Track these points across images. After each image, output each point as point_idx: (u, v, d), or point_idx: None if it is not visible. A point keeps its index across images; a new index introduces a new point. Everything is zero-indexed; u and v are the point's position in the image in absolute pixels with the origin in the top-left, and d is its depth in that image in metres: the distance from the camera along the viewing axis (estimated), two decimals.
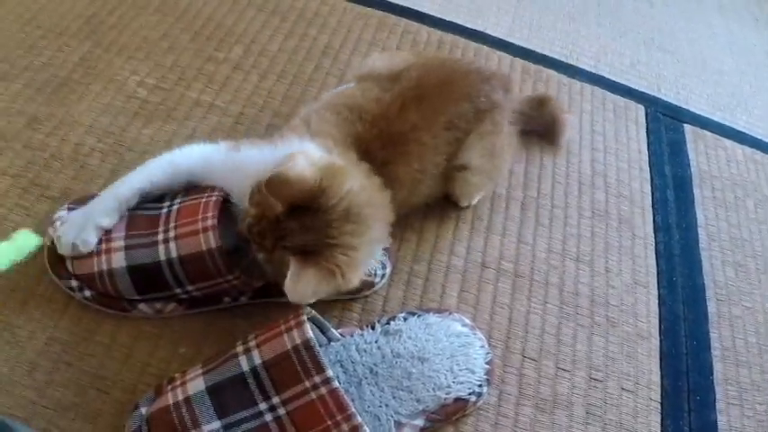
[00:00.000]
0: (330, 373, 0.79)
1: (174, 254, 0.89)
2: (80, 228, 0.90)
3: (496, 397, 0.99)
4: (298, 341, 0.80)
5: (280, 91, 1.28)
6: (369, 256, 0.89)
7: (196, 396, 0.80)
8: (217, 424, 0.79)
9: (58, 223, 0.94)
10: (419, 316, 0.99)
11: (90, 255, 0.91)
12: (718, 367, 1.12)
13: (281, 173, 0.79)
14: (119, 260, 0.90)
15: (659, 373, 1.08)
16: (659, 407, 1.05)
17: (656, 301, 1.16)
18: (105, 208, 0.92)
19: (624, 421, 1.01)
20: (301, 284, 0.80)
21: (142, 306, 0.92)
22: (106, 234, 0.92)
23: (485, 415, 0.97)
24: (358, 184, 0.85)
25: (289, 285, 0.79)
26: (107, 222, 0.92)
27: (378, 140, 0.95)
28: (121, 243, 0.91)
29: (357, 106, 0.98)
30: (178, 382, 0.82)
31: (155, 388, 0.84)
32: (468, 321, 1.01)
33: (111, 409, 0.86)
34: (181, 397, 0.81)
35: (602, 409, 1.02)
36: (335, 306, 1.02)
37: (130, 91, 1.21)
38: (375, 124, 0.96)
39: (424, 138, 0.99)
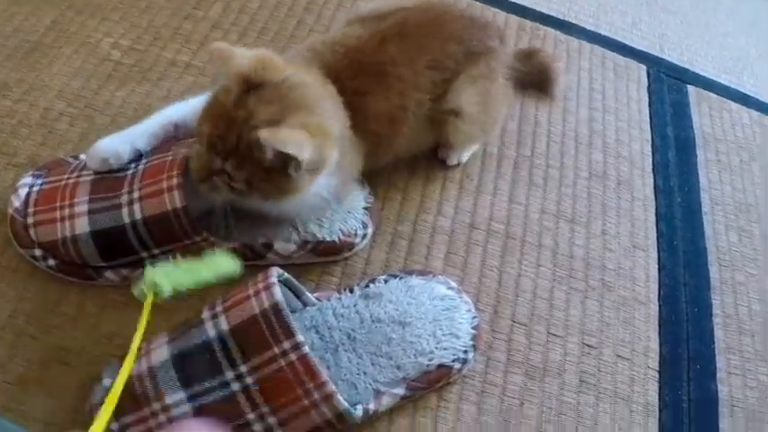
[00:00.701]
0: (300, 338, 0.74)
1: (138, 215, 0.85)
2: (116, 145, 0.89)
3: (483, 364, 0.93)
4: (266, 305, 0.76)
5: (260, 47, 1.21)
6: (332, 141, 0.83)
7: (160, 366, 0.76)
8: (181, 395, 0.75)
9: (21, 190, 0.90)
10: (401, 278, 0.94)
11: (53, 221, 0.87)
12: (719, 335, 1.06)
13: (222, 48, 0.79)
14: (82, 225, 0.86)
15: (657, 340, 1.02)
16: (657, 375, 0.99)
17: (656, 266, 1.10)
18: (145, 131, 0.91)
19: (619, 390, 0.96)
20: (282, 138, 0.76)
21: (108, 273, 0.88)
22: (70, 199, 0.88)
23: (471, 383, 0.91)
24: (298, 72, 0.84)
25: (267, 134, 0.76)
26: (143, 144, 0.91)
27: (349, 70, 0.90)
28: (85, 208, 0.87)
29: (332, 42, 0.94)
30: (143, 352, 0.78)
31: (120, 358, 0.78)
32: (453, 284, 0.95)
33: (76, 382, 0.81)
34: (144, 367, 0.76)
35: (595, 377, 0.96)
36: (313, 270, 0.97)
37: (104, 53, 1.16)
38: (348, 55, 0.91)
39: (404, 73, 0.93)
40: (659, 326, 1.04)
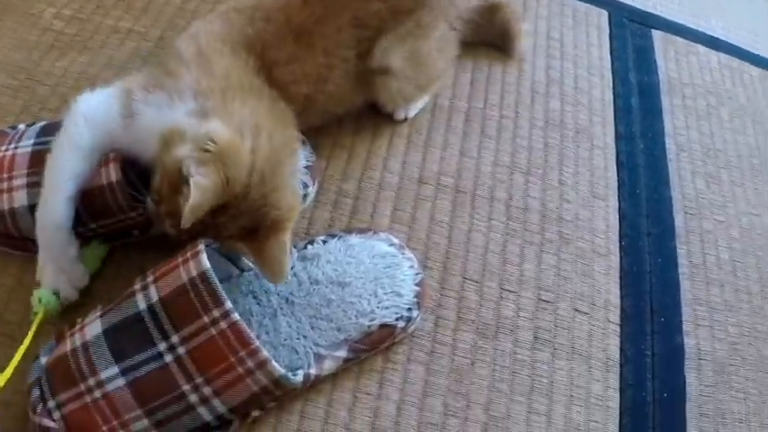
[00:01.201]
0: (229, 305, 0.71)
1: None
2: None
3: (432, 323, 0.89)
4: (194, 273, 0.73)
5: (203, 10, 1.17)
6: (294, 179, 0.83)
7: (93, 340, 0.74)
8: (114, 369, 0.72)
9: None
10: (340, 238, 0.89)
11: None
12: (685, 286, 1.01)
13: (192, 207, 0.70)
14: (20, 199, 0.84)
15: (618, 293, 0.98)
16: (618, 329, 0.95)
17: (617, 216, 1.05)
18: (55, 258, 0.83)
19: (577, 345, 0.91)
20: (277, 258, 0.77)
21: None
22: (8, 172, 0.86)
23: (419, 342, 0.87)
24: (255, 146, 0.77)
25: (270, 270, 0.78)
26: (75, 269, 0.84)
27: (274, 38, 0.87)
28: (23, 181, 0.85)
29: (252, 8, 0.90)
30: (77, 327, 0.76)
31: (56, 335, 0.78)
32: (395, 240, 0.90)
33: (14, 352, 0.77)
34: (78, 342, 0.74)
35: (551, 333, 0.91)
36: None
37: (46, 24, 1.12)
38: (271, 21, 0.88)
39: (327, 30, 0.90)
40: (620, 278, 0.99)
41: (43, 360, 0.75)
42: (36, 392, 0.73)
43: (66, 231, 0.81)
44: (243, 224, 0.76)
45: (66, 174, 0.80)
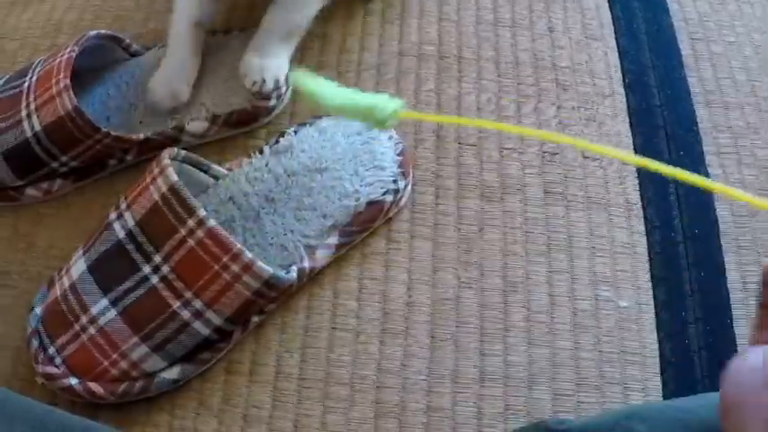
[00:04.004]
0: (203, 212, 0.69)
1: (37, 127, 0.81)
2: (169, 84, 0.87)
3: (432, 195, 0.83)
4: (164, 188, 0.71)
5: None
6: None
7: (79, 279, 0.73)
8: (104, 302, 0.71)
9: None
10: (311, 124, 0.85)
11: None
12: (702, 115, 0.94)
13: None
14: None
15: (629, 132, 0.91)
16: (634, 170, 0.88)
17: (616, 54, 0.97)
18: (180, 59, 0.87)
19: (593, 194, 0.85)
20: None
21: (29, 191, 0.85)
22: None
23: (421, 217, 0.81)
24: None
25: None
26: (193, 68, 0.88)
27: None
28: None
29: None
30: (64, 270, 0.75)
31: (47, 283, 0.76)
32: None
33: (20, 302, 0.77)
34: (67, 284, 0.73)
35: (562, 186, 0.85)
36: (239, 144, 0.88)
37: None
38: None
39: None
40: (629, 117, 0.92)
41: (38, 310, 0.73)
42: (35, 343, 0.72)
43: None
44: None
45: None
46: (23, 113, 0.82)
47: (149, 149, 0.85)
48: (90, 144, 0.81)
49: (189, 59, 0.87)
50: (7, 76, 0.89)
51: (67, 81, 0.80)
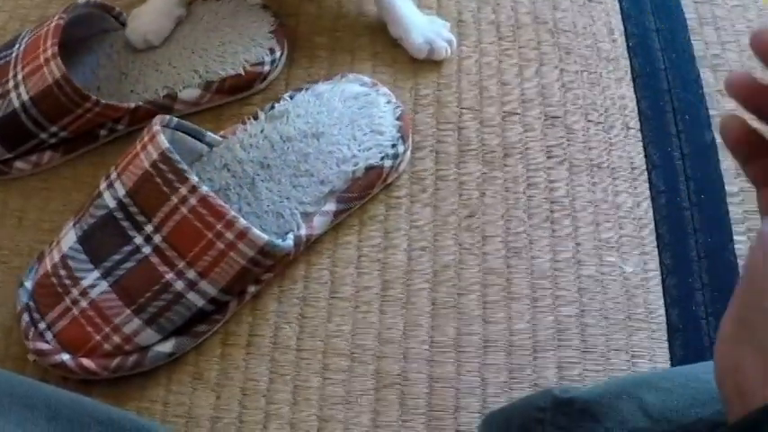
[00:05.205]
0: (195, 179, 0.68)
1: (25, 96, 0.80)
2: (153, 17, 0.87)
3: (432, 161, 0.81)
4: (155, 156, 0.69)
5: None
6: None
7: (70, 251, 0.71)
8: (95, 274, 0.69)
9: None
10: (306, 89, 0.82)
11: None
12: (708, 79, 0.91)
13: None
14: None
15: (634, 96, 0.88)
16: (639, 135, 0.86)
17: (619, 17, 0.95)
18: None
19: (596, 158, 0.83)
20: None
21: (18, 164, 0.83)
22: None
23: (421, 183, 0.79)
24: None
25: None
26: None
27: None
28: None
29: None
30: (54, 243, 0.74)
31: (37, 257, 0.74)
32: (366, 79, 0.83)
33: (11, 278, 0.75)
34: (57, 257, 0.71)
35: (565, 150, 0.83)
36: (233, 111, 0.86)
37: None
38: None
39: None
40: (633, 80, 0.89)
41: (28, 284, 0.72)
42: (26, 318, 0.70)
43: None
44: None
45: None
46: (11, 84, 0.80)
47: (141, 119, 0.83)
48: (79, 113, 0.79)
49: (171, 5, 0.87)
50: None
51: (55, 49, 0.78)
